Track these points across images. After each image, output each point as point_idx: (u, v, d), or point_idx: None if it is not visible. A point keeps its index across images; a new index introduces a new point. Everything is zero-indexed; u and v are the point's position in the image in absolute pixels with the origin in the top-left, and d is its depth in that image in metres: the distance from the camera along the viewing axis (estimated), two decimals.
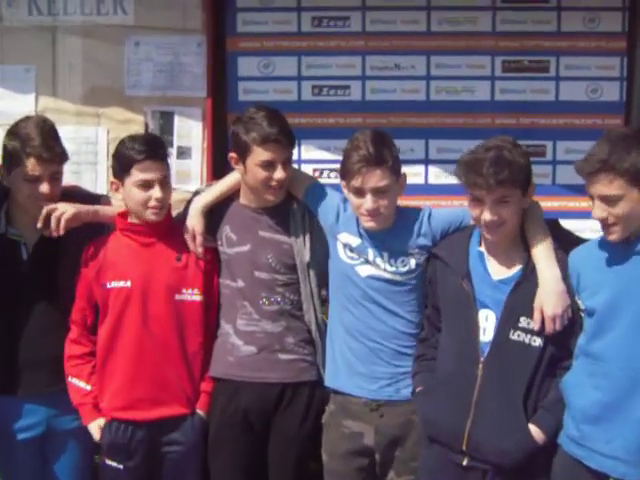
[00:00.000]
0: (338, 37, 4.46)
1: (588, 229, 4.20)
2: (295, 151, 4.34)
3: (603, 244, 2.99)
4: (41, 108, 4.52)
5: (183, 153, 4.51)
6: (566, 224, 4.15)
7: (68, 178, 4.11)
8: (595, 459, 2.92)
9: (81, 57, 4.52)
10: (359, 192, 3.23)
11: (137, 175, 3.34)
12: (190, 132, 4.51)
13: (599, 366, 2.92)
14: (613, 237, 2.92)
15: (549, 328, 3.01)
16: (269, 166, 3.36)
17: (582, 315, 3.05)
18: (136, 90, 4.51)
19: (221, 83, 4.50)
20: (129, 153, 3.35)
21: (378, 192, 3.21)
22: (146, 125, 4.50)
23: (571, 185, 4.33)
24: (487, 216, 3.04)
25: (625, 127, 3.06)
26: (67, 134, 4.34)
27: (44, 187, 3.40)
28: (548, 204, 4.07)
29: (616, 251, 2.94)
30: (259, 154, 3.35)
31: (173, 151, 4.48)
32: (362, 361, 3.37)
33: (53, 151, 3.42)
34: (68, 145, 4.33)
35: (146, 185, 3.35)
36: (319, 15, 4.46)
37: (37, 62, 4.54)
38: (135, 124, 4.49)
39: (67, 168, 4.24)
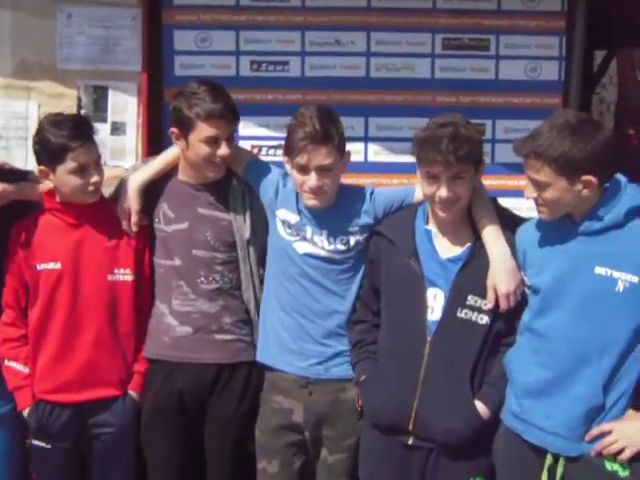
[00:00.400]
0: (277, 12, 4.39)
1: (526, 208, 4.15)
2: None
3: (550, 223, 2.99)
4: None
5: (117, 129, 4.40)
6: (505, 202, 4.04)
7: None
8: (535, 434, 2.96)
9: (10, 29, 4.35)
10: (303, 169, 3.19)
11: (71, 163, 3.26)
12: (125, 107, 4.40)
13: (543, 343, 2.95)
14: (542, 216, 2.97)
15: (503, 305, 3.03)
16: (213, 142, 3.30)
17: (527, 291, 3.07)
18: (68, 64, 4.38)
19: (157, 57, 4.40)
20: (60, 141, 3.25)
21: (323, 170, 3.18)
22: (79, 99, 4.38)
23: (510, 164, 4.33)
24: (443, 192, 3.02)
25: (573, 113, 3.00)
26: None
27: None
28: (487, 182, 3.87)
29: (562, 230, 2.96)
30: (203, 130, 3.28)
31: (107, 127, 4.38)
32: (293, 338, 3.36)
33: None
34: None
35: (82, 170, 3.27)
36: None
37: None
38: (67, 99, 4.37)
39: None
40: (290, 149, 3.21)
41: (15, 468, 3.60)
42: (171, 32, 4.41)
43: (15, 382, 3.43)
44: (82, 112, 4.32)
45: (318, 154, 3.15)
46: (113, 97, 4.40)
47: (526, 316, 3.04)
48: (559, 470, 2.92)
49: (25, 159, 4.31)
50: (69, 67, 4.38)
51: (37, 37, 4.36)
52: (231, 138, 3.38)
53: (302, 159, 3.16)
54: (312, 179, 3.18)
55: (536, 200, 2.93)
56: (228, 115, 3.32)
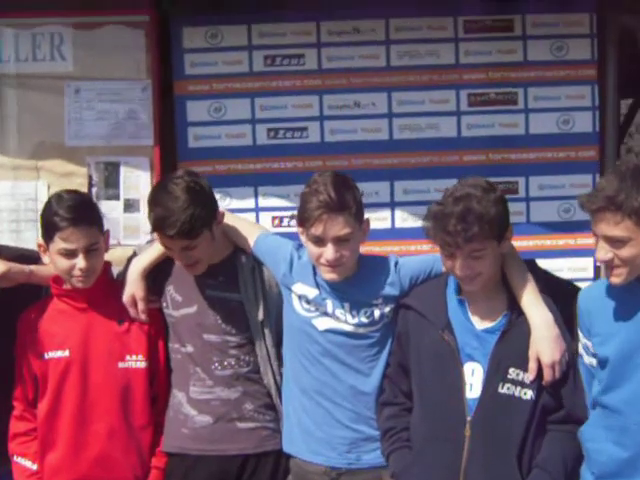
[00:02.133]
0: (293, 76, 4.33)
1: (566, 268, 4.24)
2: (252, 199, 4.33)
3: (617, 287, 2.78)
4: None
5: (131, 206, 4.32)
6: (543, 264, 3.94)
7: (7, 237, 3.96)
8: None
9: (17, 107, 4.33)
10: (319, 241, 3.03)
11: (59, 243, 3.13)
12: (138, 183, 4.32)
13: (615, 419, 2.74)
14: (616, 280, 2.73)
15: (548, 377, 2.87)
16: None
17: (590, 362, 2.87)
18: (78, 141, 4.33)
19: (170, 130, 4.35)
20: (52, 219, 3.14)
21: (340, 241, 3.01)
22: (90, 177, 4.31)
23: (547, 222, 4.25)
24: (459, 272, 2.89)
25: (635, 162, 2.81)
26: (4, 190, 4.30)
27: None
28: (523, 243, 4.00)
29: (629, 295, 2.74)
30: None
31: (120, 204, 4.31)
32: (318, 424, 3.17)
33: None
34: (6, 202, 4.28)
35: (69, 254, 3.14)
36: (272, 53, 4.33)
37: None
38: (78, 177, 4.31)
39: (6, 227, 4.08)
40: (304, 219, 3.05)
41: None
42: (184, 103, 4.36)
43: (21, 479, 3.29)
44: (93, 191, 4.26)
45: (334, 224, 2.99)
46: (125, 173, 4.33)
47: (596, 390, 2.82)
48: None
49: (35, 242, 4.22)
50: (78, 144, 4.34)
51: (45, 114, 4.32)
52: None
53: (317, 230, 3.00)
54: (329, 251, 3.01)
55: (608, 262, 2.70)
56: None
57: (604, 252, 2.70)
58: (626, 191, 2.60)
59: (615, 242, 2.66)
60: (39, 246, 3.26)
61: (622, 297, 2.77)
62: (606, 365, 2.77)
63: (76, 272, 3.16)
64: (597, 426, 2.80)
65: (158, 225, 3.08)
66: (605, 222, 2.66)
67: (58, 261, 3.17)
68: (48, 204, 3.22)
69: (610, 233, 2.66)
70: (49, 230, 3.15)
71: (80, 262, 3.14)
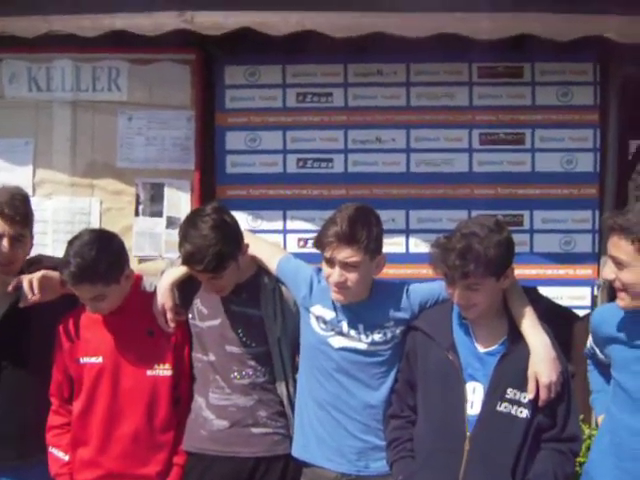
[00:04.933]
0: (321, 112, 4.23)
1: (566, 296, 4.09)
2: (281, 222, 4.23)
3: (631, 315, 2.62)
4: (38, 179, 4.29)
5: (173, 223, 4.22)
6: (544, 291, 3.99)
7: (62, 247, 3.84)
8: None
9: (77, 131, 4.28)
10: (329, 262, 2.92)
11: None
12: (179, 203, 4.24)
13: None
14: (621, 303, 2.59)
15: (544, 396, 2.74)
16: None
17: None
18: (128, 163, 4.27)
19: (209, 156, 4.26)
20: (62, 271, 3.00)
21: (347, 266, 2.88)
22: (137, 196, 4.25)
23: (548, 253, 4.11)
24: (456, 299, 2.81)
25: None
26: (62, 204, 4.26)
27: (4, 243, 3.06)
28: (526, 272, 3.87)
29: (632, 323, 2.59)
30: None
31: (163, 221, 4.25)
32: (331, 434, 3.02)
33: (16, 209, 3.09)
34: (63, 215, 4.24)
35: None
36: (303, 91, 4.24)
37: (35, 136, 4.30)
38: (126, 195, 4.27)
39: (62, 237, 4.01)
40: (319, 243, 2.96)
41: None
42: (223, 133, 4.27)
43: (55, 469, 3.17)
44: (140, 208, 4.24)
45: (342, 251, 2.87)
46: (168, 193, 4.26)
47: (615, 408, 2.65)
48: None
49: None
50: (128, 166, 4.28)
51: (100, 138, 4.28)
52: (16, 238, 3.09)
53: (328, 253, 2.91)
54: (335, 274, 2.90)
55: (614, 283, 2.56)
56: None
57: (608, 272, 2.58)
58: (638, 218, 2.46)
59: (617, 263, 2.52)
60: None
61: (634, 324, 2.61)
62: (625, 390, 2.64)
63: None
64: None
65: (187, 260, 2.98)
66: (612, 242, 2.53)
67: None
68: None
69: (613, 253, 2.52)
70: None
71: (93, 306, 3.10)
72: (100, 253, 2.98)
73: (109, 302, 3.05)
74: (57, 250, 3.84)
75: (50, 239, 3.60)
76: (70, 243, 3.06)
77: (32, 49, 4.14)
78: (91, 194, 4.27)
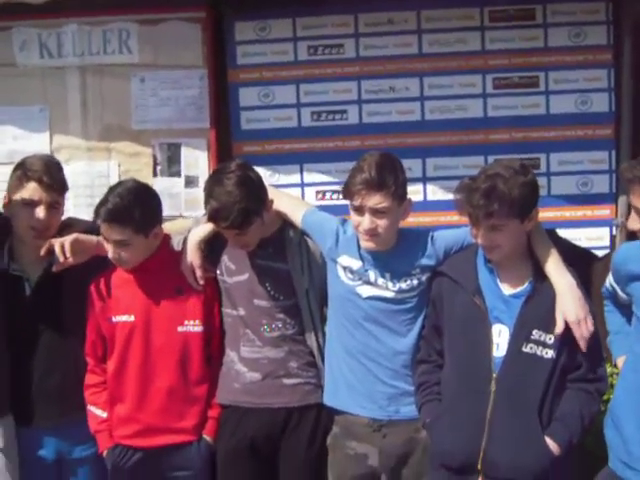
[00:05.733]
0: (333, 64, 4.18)
1: (584, 238, 4.07)
2: (298, 175, 4.19)
3: None
4: (55, 146, 4.24)
5: (191, 182, 4.20)
6: (562, 233, 3.99)
7: (84, 210, 3.87)
8: None
9: (91, 95, 4.23)
10: (359, 210, 2.86)
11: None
12: (197, 162, 4.19)
13: None
14: None
15: (577, 333, 2.69)
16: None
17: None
18: (143, 124, 4.22)
19: (224, 114, 4.21)
20: (99, 208, 3.00)
21: (377, 212, 2.83)
22: (154, 157, 4.21)
23: (566, 195, 4.08)
24: (480, 240, 2.77)
25: None
26: (81, 169, 4.20)
27: (40, 211, 3.03)
28: (544, 214, 3.68)
29: None
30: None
31: (181, 180, 4.21)
32: (361, 381, 2.99)
33: (53, 178, 3.07)
34: (82, 179, 4.21)
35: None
36: (314, 44, 4.18)
37: (50, 102, 4.24)
38: (144, 156, 4.23)
39: (83, 201, 3.99)
40: (348, 192, 2.89)
41: None
42: (236, 90, 4.21)
43: (94, 426, 3.16)
44: (158, 169, 4.19)
45: (372, 198, 2.81)
46: (185, 153, 4.21)
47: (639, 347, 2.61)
48: None
49: None
50: (144, 127, 4.23)
51: (115, 101, 4.22)
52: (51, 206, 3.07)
53: (357, 202, 2.84)
54: (366, 221, 2.84)
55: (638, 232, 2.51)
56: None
57: (634, 222, 2.54)
58: None
59: None
60: None
61: None
62: None
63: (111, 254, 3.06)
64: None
65: (213, 217, 2.93)
66: (634, 193, 2.47)
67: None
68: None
69: (637, 204, 2.46)
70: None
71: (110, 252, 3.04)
72: (137, 200, 2.98)
73: (131, 253, 3.01)
74: (78, 215, 3.78)
75: (71, 204, 3.57)
76: (112, 186, 3.08)
77: (41, 15, 4.08)
78: (108, 158, 4.23)
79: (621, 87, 3.97)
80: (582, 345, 2.69)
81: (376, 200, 2.81)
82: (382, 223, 2.84)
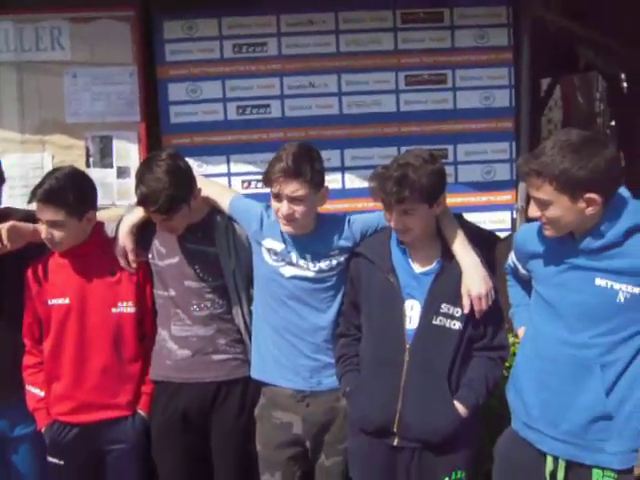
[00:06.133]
0: (257, 61, 4.18)
1: (488, 221, 4.21)
2: (225, 165, 4.21)
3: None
4: None
5: (123, 173, 4.18)
6: (468, 217, 3.93)
7: (19, 200, 3.81)
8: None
9: (24, 90, 4.16)
10: (277, 197, 2.94)
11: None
12: (128, 153, 4.17)
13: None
14: (547, 234, 2.59)
15: (476, 306, 2.81)
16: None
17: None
18: (76, 118, 4.17)
19: (154, 108, 4.20)
20: (36, 190, 3.04)
21: (294, 200, 2.91)
22: (87, 149, 4.17)
23: (471, 182, 4.19)
24: (393, 224, 2.85)
25: (576, 132, 2.51)
26: (15, 161, 4.15)
27: None
28: (452, 200, 3.76)
29: (563, 245, 2.59)
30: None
31: (113, 172, 4.19)
32: (286, 355, 3.07)
33: None
34: (16, 171, 4.15)
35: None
36: (239, 42, 4.17)
37: None
38: (77, 149, 4.18)
39: (17, 192, 3.98)
40: (267, 180, 2.97)
41: None
42: (165, 85, 4.19)
43: (32, 404, 3.18)
44: (91, 160, 4.16)
45: (288, 186, 2.89)
46: (117, 145, 4.19)
47: (537, 317, 2.72)
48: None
49: None
50: (77, 121, 4.18)
51: (48, 96, 4.17)
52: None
53: (275, 189, 2.92)
54: (284, 207, 2.92)
55: (540, 219, 2.56)
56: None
57: (533, 210, 2.57)
58: (552, 158, 2.42)
59: (540, 203, 2.51)
60: None
61: (555, 245, 2.63)
62: (546, 301, 2.68)
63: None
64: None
65: (142, 201, 2.99)
66: (531, 185, 2.52)
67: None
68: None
69: (534, 195, 2.51)
70: None
71: (42, 233, 3.06)
72: (73, 184, 3.03)
73: (64, 234, 3.03)
74: (13, 205, 3.73)
75: (6, 195, 3.55)
76: (50, 171, 3.13)
77: None
78: (42, 150, 4.17)
79: (520, 84, 4.08)
80: (478, 316, 2.82)
81: (292, 188, 2.87)
82: (299, 209, 2.91)
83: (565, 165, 2.40)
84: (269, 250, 3.08)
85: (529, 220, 2.74)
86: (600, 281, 2.49)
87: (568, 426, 2.56)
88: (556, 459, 2.60)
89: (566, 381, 2.56)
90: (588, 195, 2.42)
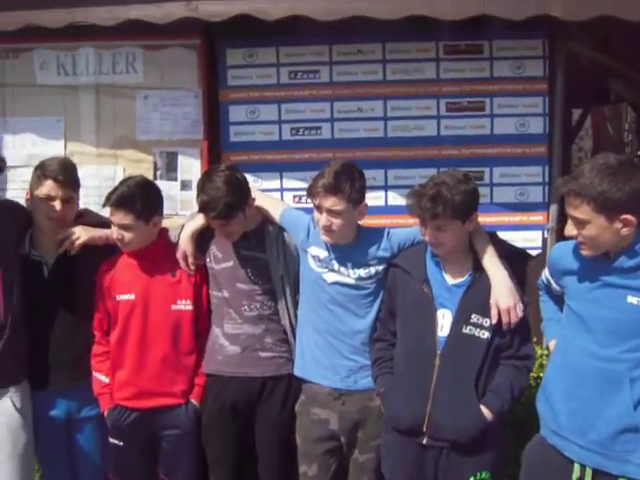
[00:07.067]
0: (310, 87, 4.22)
1: (520, 239, 4.16)
2: (278, 181, 4.27)
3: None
4: (69, 151, 4.31)
5: (186, 186, 4.27)
6: (502, 235, 4.07)
7: (92, 209, 3.94)
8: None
9: (101, 110, 4.30)
10: (318, 209, 3.03)
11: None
12: (191, 168, 4.26)
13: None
14: (584, 253, 2.56)
15: (505, 319, 2.82)
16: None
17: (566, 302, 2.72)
18: (146, 135, 4.29)
19: (215, 128, 4.28)
20: (109, 195, 3.18)
21: (332, 213, 2.98)
22: (155, 164, 4.28)
23: (505, 203, 4.15)
24: (427, 238, 2.91)
25: (613, 156, 2.49)
26: (90, 172, 4.28)
27: (57, 205, 3.19)
28: (487, 219, 3.89)
29: (597, 263, 2.55)
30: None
31: (177, 184, 4.28)
32: (326, 355, 3.13)
33: (67, 176, 3.23)
34: (91, 181, 4.27)
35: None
36: (294, 69, 4.22)
37: (65, 114, 4.32)
38: (146, 163, 4.28)
39: (92, 200, 4.13)
40: (310, 193, 3.05)
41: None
42: (226, 107, 4.28)
43: (98, 389, 3.30)
44: (158, 173, 4.26)
45: (328, 200, 2.96)
46: (182, 160, 4.28)
47: (568, 331, 2.67)
48: None
49: None
50: (146, 138, 4.29)
51: (121, 114, 4.29)
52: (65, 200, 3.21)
53: (316, 201, 3.00)
54: (323, 218, 3.00)
55: (577, 237, 2.53)
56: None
57: (570, 229, 2.56)
58: (590, 180, 2.41)
59: (578, 223, 2.49)
60: None
61: (590, 263, 2.59)
62: (579, 318, 2.63)
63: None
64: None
65: (202, 208, 3.09)
66: (570, 204, 2.50)
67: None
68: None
69: (572, 214, 2.50)
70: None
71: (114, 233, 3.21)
72: (142, 191, 3.15)
73: (133, 236, 3.15)
74: None
75: (81, 203, 3.67)
76: (124, 179, 3.26)
77: (59, 38, 4.13)
78: (115, 163, 4.29)
79: (554, 113, 4.06)
80: (506, 327, 2.82)
81: (331, 202, 2.94)
82: (336, 222, 2.97)
83: (603, 187, 2.39)
84: (314, 257, 3.15)
85: (561, 239, 2.72)
86: (632, 299, 2.46)
87: (596, 436, 2.53)
88: (583, 467, 2.56)
89: (594, 392, 2.53)
90: (624, 216, 2.40)
